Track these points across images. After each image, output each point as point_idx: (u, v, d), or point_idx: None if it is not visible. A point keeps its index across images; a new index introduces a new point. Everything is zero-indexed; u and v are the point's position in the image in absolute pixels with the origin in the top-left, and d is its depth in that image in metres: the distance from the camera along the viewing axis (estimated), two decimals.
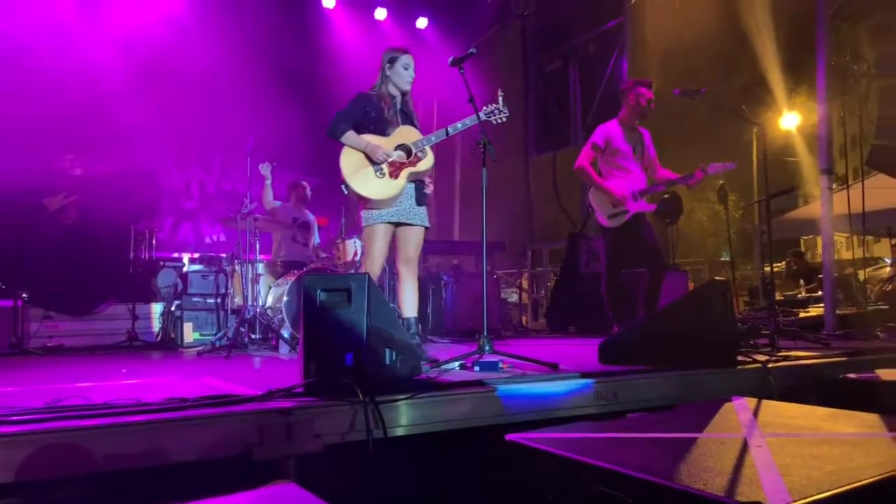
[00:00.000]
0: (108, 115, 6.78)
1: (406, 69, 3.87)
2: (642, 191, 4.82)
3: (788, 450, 1.86)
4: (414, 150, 3.79)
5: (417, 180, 3.88)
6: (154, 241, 6.92)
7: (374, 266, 3.78)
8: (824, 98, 5.62)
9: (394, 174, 3.73)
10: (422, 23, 9.17)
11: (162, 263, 6.83)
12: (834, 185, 5.86)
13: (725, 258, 21.10)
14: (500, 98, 3.82)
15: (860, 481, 1.54)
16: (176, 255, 7.80)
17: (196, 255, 7.20)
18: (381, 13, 8.82)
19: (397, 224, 3.83)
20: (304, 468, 2.13)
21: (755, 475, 1.62)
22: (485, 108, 3.80)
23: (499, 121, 3.82)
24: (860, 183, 6.41)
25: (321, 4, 8.48)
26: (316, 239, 6.44)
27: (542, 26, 9.37)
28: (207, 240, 8.55)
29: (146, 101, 7.02)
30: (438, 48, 9.03)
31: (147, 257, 6.76)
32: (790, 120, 18.04)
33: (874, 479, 1.56)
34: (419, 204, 3.89)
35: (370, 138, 3.74)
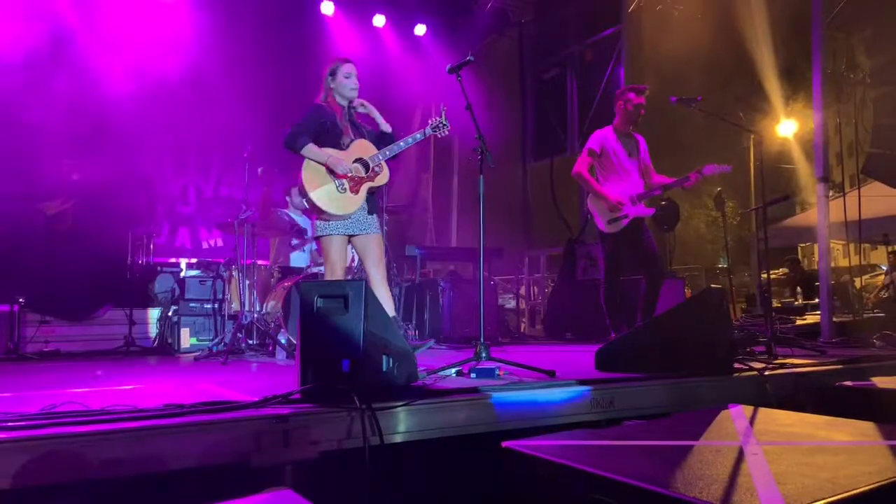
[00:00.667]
0: (105, 120, 6.77)
1: (348, 78, 3.92)
2: (640, 195, 4.82)
3: (784, 458, 1.86)
4: (371, 165, 3.86)
5: (374, 192, 3.97)
6: (151, 247, 6.91)
7: (336, 276, 3.83)
8: (820, 106, 5.65)
9: (354, 189, 3.80)
10: (420, 30, 9.19)
11: (159, 269, 6.81)
12: (831, 193, 5.88)
13: (723, 265, 21.13)
14: (443, 112, 3.94)
15: (855, 489, 1.55)
16: (173, 260, 7.78)
17: (193, 261, 7.19)
18: (379, 20, 8.85)
19: (352, 235, 3.90)
20: (300, 475, 2.13)
21: (751, 483, 1.63)
22: (430, 122, 3.92)
23: (442, 134, 3.94)
24: (856, 191, 6.44)
25: (320, 11, 8.51)
26: (313, 243, 6.44)
27: (540, 34, 9.41)
28: (205, 245, 8.54)
29: (144, 106, 7.02)
30: (437, 55, 9.06)
31: (144, 262, 6.75)
32: (787, 127, 18.10)
33: (869, 487, 1.57)
34: (370, 213, 3.96)
35: (331, 151, 3.78)
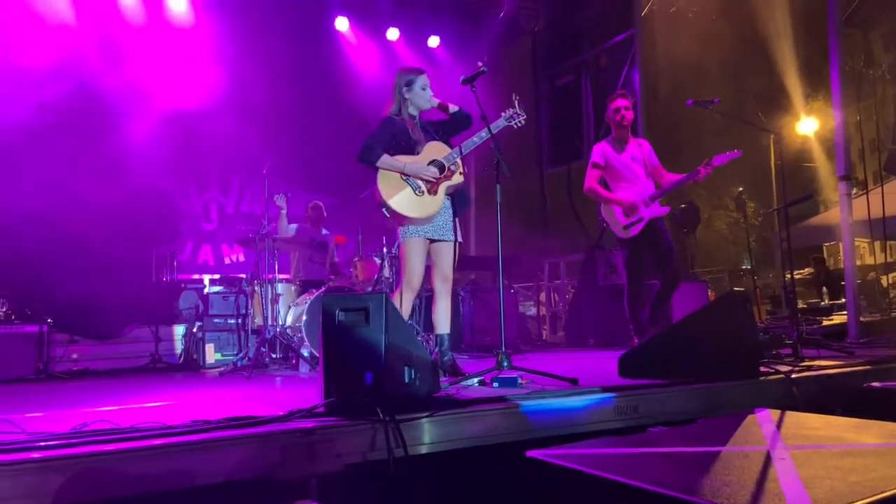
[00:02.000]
0: (128, 140, 6.91)
1: (424, 90, 3.88)
2: (653, 195, 4.77)
3: (812, 462, 1.84)
4: (447, 165, 3.81)
5: (453, 193, 3.89)
6: (175, 264, 7.02)
7: (415, 281, 3.76)
8: (840, 104, 5.58)
9: (432, 190, 3.76)
10: (434, 42, 9.26)
11: (183, 285, 6.92)
12: (854, 191, 5.80)
13: (746, 266, 20.86)
14: (516, 101, 3.86)
15: (885, 492, 1.52)
16: (197, 276, 7.89)
17: (216, 277, 7.28)
18: (393, 33, 8.92)
19: (433, 240, 3.84)
20: (326, 488, 2.14)
21: (778, 489, 1.61)
22: (503, 113, 3.84)
23: (519, 124, 3.86)
24: (879, 188, 6.35)
25: (335, 28, 8.61)
26: (334, 257, 6.49)
27: (553, 41, 9.42)
28: (227, 261, 8.65)
29: (166, 126, 7.15)
30: (450, 66, 9.11)
31: (169, 280, 6.85)
32: (808, 125, 17.87)
33: None
34: (455, 216, 3.89)
35: (405, 159, 3.76)
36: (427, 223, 3.76)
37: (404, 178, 3.73)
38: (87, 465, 1.91)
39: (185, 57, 7.60)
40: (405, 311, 3.74)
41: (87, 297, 5.85)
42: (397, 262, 4.15)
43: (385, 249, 5.65)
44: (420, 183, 3.73)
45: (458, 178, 3.84)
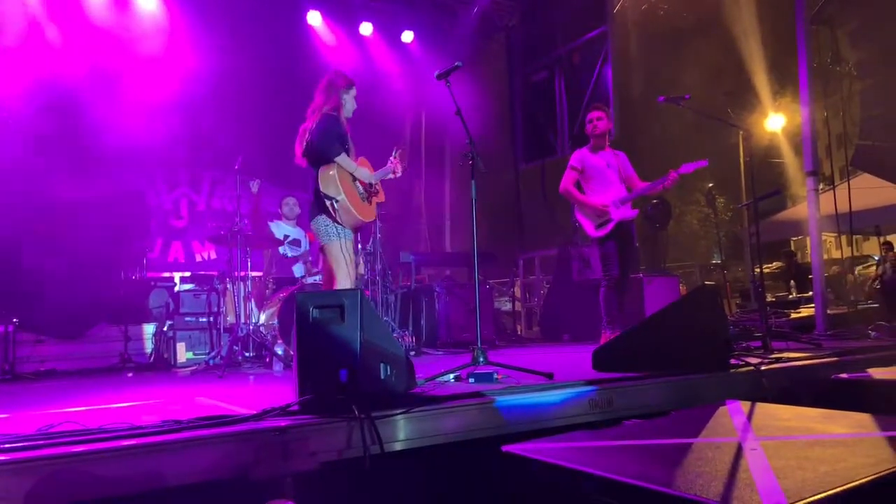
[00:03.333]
0: (96, 136, 6.76)
1: (355, 99, 4.09)
2: (623, 198, 5.00)
3: (783, 452, 1.87)
4: (375, 182, 4.12)
5: None
6: (145, 262, 6.89)
7: (352, 278, 3.93)
8: (808, 100, 5.69)
9: (370, 199, 4.07)
10: (407, 37, 9.21)
11: (153, 283, 6.79)
12: (821, 186, 5.91)
13: (716, 261, 21.17)
14: (396, 154, 4.18)
15: (854, 482, 1.56)
16: (167, 274, 7.76)
17: (187, 275, 7.17)
18: (366, 28, 8.85)
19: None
20: (301, 486, 2.12)
21: (750, 479, 1.63)
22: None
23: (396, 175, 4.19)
24: (846, 183, 6.48)
25: (307, 22, 8.51)
26: (307, 254, 6.43)
27: (527, 37, 9.44)
28: (198, 258, 8.52)
29: (134, 121, 7.01)
30: (424, 61, 9.08)
31: (138, 278, 6.72)
32: (775, 122, 18.16)
33: (868, 478, 1.58)
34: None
35: (353, 164, 3.97)
36: (354, 226, 4.00)
37: (354, 181, 3.95)
38: (54, 467, 1.86)
39: (156, 53, 7.46)
40: None
41: (54, 295, 5.72)
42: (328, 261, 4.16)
43: (360, 246, 5.61)
44: (363, 190, 4.00)
45: (381, 197, 4.21)
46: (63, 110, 6.69)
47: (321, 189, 3.85)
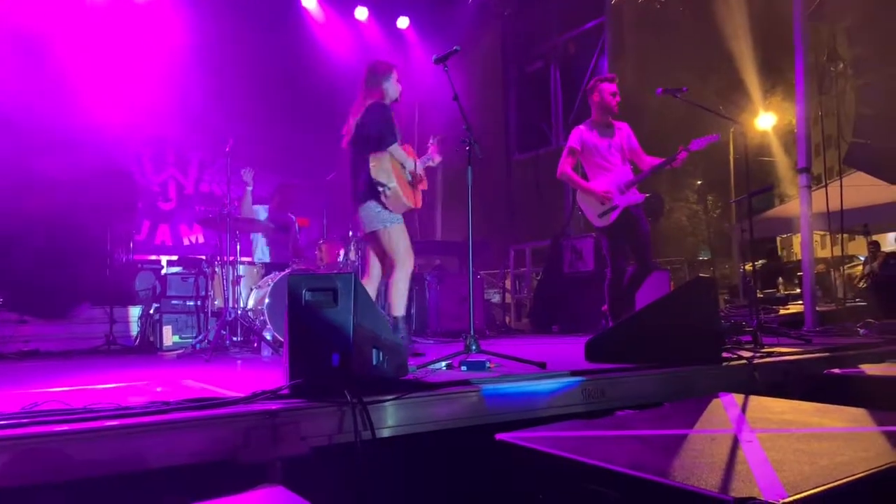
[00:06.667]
0: (84, 115, 6.64)
1: (398, 82, 4.12)
2: (629, 182, 4.72)
3: (779, 445, 1.86)
4: (419, 170, 4.21)
5: None
6: (131, 244, 6.80)
7: (409, 264, 4.03)
8: (803, 97, 5.69)
9: (417, 186, 4.17)
10: (403, 22, 9.13)
11: (140, 266, 6.71)
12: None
13: (704, 257, 21.30)
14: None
15: (854, 475, 1.54)
16: (154, 257, 7.67)
17: (174, 258, 7.08)
18: (361, 13, 8.76)
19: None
20: (291, 471, 2.08)
21: (748, 471, 1.61)
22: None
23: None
24: (837, 181, 6.50)
25: (301, 4, 8.41)
26: (297, 240, 6.37)
27: (523, 27, 9.39)
28: (186, 242, 8.43)
29: (122, 101, 6.90)
30: (419, 47, 9.01)
31: (124, 260, 6.63)
32: (766, 120, 18.26)
33: (867, 472, 1.57)
34: None
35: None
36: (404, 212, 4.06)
37: (403, 168, 4.05)
38: (38, 446, 1.82)
39: (145, 30, 7.34)
40: (404, 297, 4.00)
41: (39, 275, 5.63)
42: (371, 247, 4.23)
43: (351, 233, 5.56)
44: (412, 179, 4.12)
45: (425, 185, 4.30)
46: (49, 86, 6.56)
47: (373, 176, 3.89)
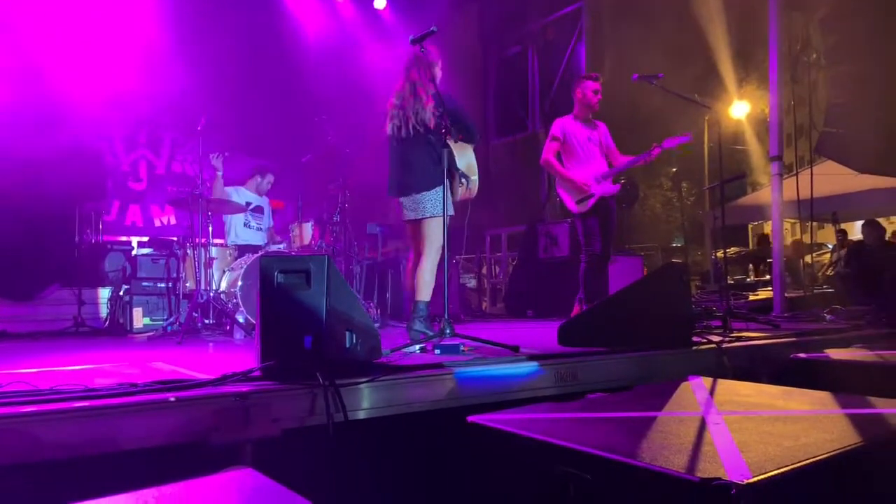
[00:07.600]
0: (51, 93, 6.47)
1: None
2: (604, 174, 4.95)
3: (745, 427, 1.89)
4: None
5: None
6: (101, 224, 6.67)
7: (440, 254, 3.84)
8: (776, 86, 5.75)
9: None
10: (380, 3, 9.01)
11: (109, 247, 6.59)
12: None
13: (677, 244, 21.56)
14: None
15: (817, 456, 1.57)
16: (124, 238, 7.55)
17: (145, 239, 6.97)
18: None
19: None
20: (262, 453, 2.07)
21: (714, 452, 1.64)
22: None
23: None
24: (808, 170, 6.60)
25: None
26: (269, 222, 6.30)
27: (501, 11, 9.34)
28: (157, 223, 8.30)
29: (91, 78, 6.72)
30: (396, 29, 8.90)
31: (94, 241, 6.51)
32: (740, 109, 18.43)
33: (830, 454, 1.60)
34: None
35: None
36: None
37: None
38: (4, 427, 1.79)
39: (117, 8, 7.14)
40: (430, 285, 3.82)
41: (5, 256, 5.50)
42: (418, 231, 3.98)
43: (326, 215, 5.52)
44: None
45: None
46: (17, 64, 6.37)
47: (458, 166, 3.81)
